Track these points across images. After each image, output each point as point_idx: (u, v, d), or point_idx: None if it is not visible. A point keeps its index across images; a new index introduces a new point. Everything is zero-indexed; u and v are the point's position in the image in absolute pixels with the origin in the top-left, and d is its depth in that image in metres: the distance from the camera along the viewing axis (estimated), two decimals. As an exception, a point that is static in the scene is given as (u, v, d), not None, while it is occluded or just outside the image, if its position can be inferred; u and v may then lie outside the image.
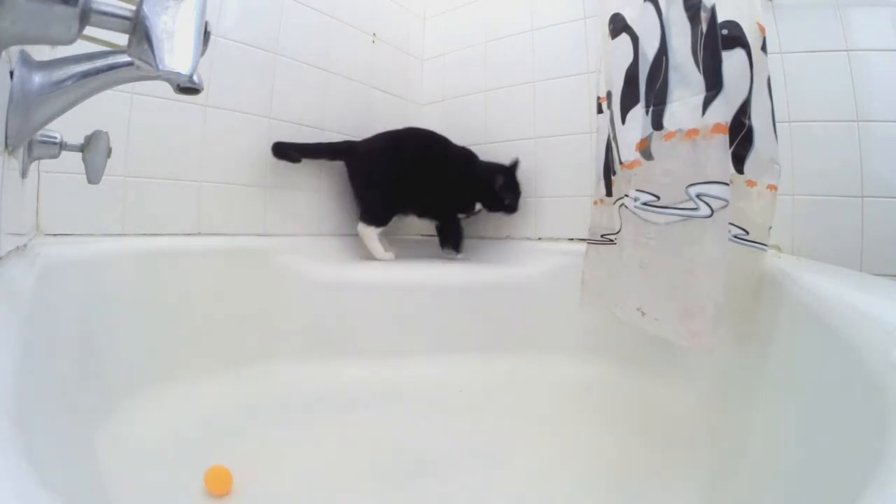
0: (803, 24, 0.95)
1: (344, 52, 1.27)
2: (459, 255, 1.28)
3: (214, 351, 0.89)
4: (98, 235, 0.82)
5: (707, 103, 0.60)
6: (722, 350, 0.64)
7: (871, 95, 0.90)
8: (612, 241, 0.83)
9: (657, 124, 0.66)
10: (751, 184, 0.70)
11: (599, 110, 0.92)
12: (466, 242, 1.32)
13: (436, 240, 1.38)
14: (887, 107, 0.89)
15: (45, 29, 0.31)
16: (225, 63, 0.99)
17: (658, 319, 0.67)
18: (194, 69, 0.33)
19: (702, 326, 0.60)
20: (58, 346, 0.54)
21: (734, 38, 0.67)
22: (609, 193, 0.85)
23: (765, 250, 0.70)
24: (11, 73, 0.39)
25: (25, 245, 0.62)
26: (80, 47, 0.38)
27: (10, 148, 0.41)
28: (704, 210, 0.60)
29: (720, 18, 0.62)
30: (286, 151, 1.10)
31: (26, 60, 0.41)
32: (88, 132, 0.56)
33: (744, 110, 0.68)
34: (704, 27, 0.61)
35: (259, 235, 1.07)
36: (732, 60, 0.65)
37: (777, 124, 0.70)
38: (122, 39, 0.35)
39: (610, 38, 0.77)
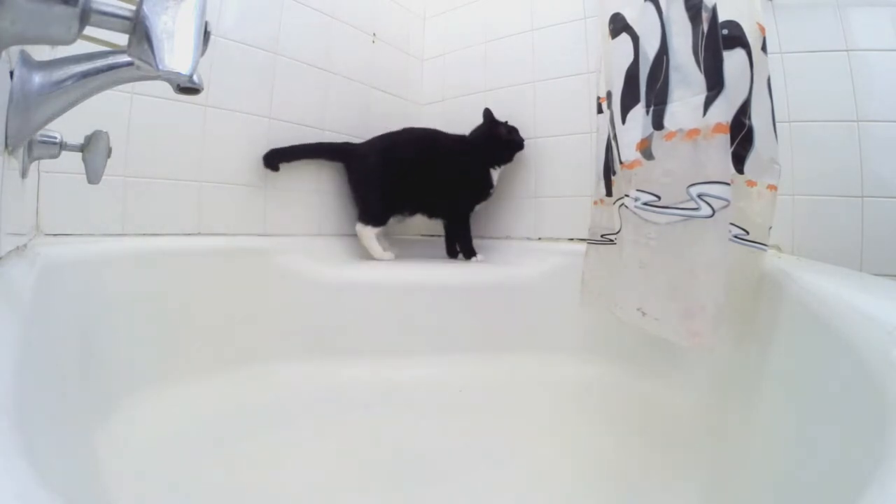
0: (803, 24, 0.95)
1: (344, 52, 1.27)
2: (479, 257, 1.26)
3: (214, 351, 0.88)
4: (98, 235, 0.82)
5: (708, 103, 0.60)
6: (722, 350, 0.64)
7: (871, 95, 0.90)
8: (612, 241, 0.83)
9: (658, 124, 0.66)
10: (751, 184, 0.70)
11: (599, 110, 0.92)
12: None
13: (436, 240, 1.38)
14: (887, 107, 0.89)
15: (45, 29, 0.31)
16: (225, 63, 0.99)
17: (658, 319, 0.67)
18: (194, 69, 0.33)
19: (702, 326, 0.60)
20: (58, 346, 0.54)
21: (734, 37, 0.67)
22: (609, 193, 0.85)
23: (765, 250, 0.70)
24: (11, 73, 0.39)
25: (25, 245, 0.62)
26: (80, 47, 0.38)
27: (10, 148, 0.41)
28: (706, 210, 0.60)
29: (720, 18, 0.62)
30: (277, 159, 1.09)
31: (26, 60, 0.41)
32: (88, 132, 0.56)
33: (744, 110, 0.68)
34: (705, 27, 0.61)
35: (259, 235, 1.07)
36: (733, 60, 0.65)
37: (777, 124, 0.70)
38: (122, 39, 0.35)
39: (610, 37, 0.77)
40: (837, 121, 0.92)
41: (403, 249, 1.29)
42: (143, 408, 0.71)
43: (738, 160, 0.69)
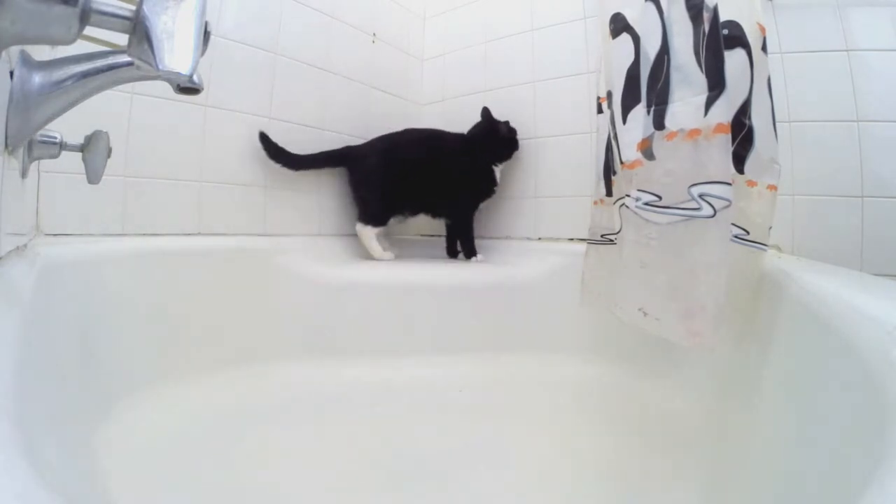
0: (803, 24, 0.94)
1: (344, 52, 1.27)
2: (479, 257, 1.26)
3: (214, 351, 0.88)
4: (98, 235, 0.82)
5: (709, 103, 0.60)
6: (722, 350, 0.64)
7: (871, 95, 0.90)
8: (612, 241, 0.83)
9: (659, 124, 0.66)
10: (751, 184, 0.70)
11: (599, 110, 0.92)
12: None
13: (436, 240, 1.38)
14: (887, 107, 0.89)
15: (45, 29, 0.31)
16: (225, 63, 0.99)
17: (659, 319, 0.67)
18: (194, 69, 0.33)
19: (703, 326, 0.60)
20: (58, 346, 0.54)
21: (735, 37, 0.67)
22: (609, 193, 0.85)
23: (765, 250, 0.70)
24: (11, 73, 0.39)
25: (25, 245, 0.62)
26: (80, 47, 0.38)
27: (10, 148, 0.41)
28: (707, 210, 0.60)
29: (720, 18, 0.62)
30: (282, 155, 1.09)
31: (26, 60, 0.41)
32: (88, 132, 0.56)
33: (744, 110, 0.68)
34: (707, 27, 0.61)
35: (259, 235, 1.07)
36: (733, 60, 0.65)
37: (777, 124, 0.70)
38: (122, 39, 0.34)
39: (611, 37, 0.77)
40: (837, 121, 0.92)
41: (403, 249, 1.29)
42: (143, 408, 0.71)
43: (739, 160, 0.69)
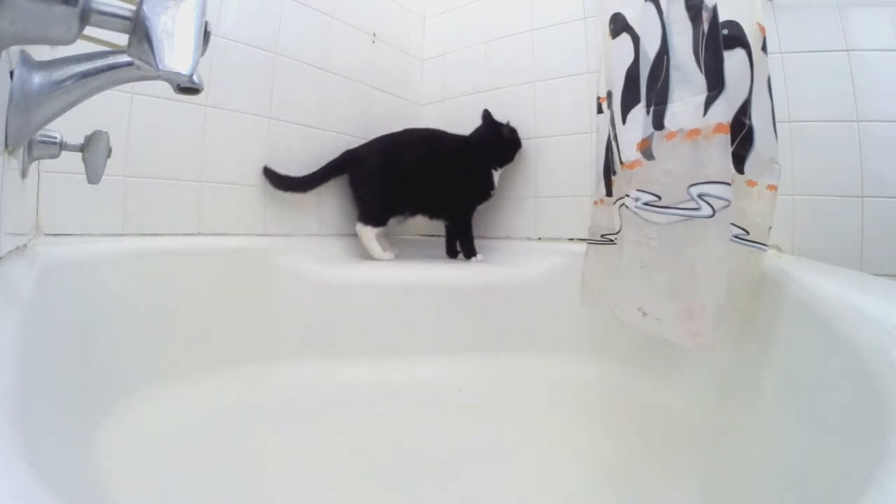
0: (803, 24, 0.94)
1: (344, 52, 1.27)
2: (479, 257, 1.26)
3: (214, 351, 0.88)
4: (98, 235, 0.82)
5: (709, 103, 0.60)
6: (722, 350, 0.64)
7: (871, 95, 0.90)
8: (612, 241, 0.83)
9: (658, 124, 0.66)
10: (751, 184, 0.70)
11: (599, 110, 0.92)
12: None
13: (436, 240, 1.38)
14: (887, 107, 0.89)
15: (45, 29, 0.31)
16: (225, 63, 0.99)
17: (659, 319, 0.67)
18: (194, 69, 0.33)
19: (703, 326, 0.60)
20: (58, 346, 0.54)
21: (735, 37, 0.67)
22: (609, 193, 0.85)
23: (765, 250, 0.70)
24: (11, 73, 0.39)
25: (25, 245, 0.62)
26: (80, 47, 0.38)
27: (10, 148, 0.41)
28: (706, 210, 0.60)
29: (720, 18, 0.62)
30: (288, 182, 1.10)
31: (26, 60, 0.41)
32: (88, 132, 0.56)
33: (744, 110, 0.68)
34: (706, 27, 0.61)
35: (259, 235, 1.07)
36: (733, 60, 0.65)
37: (777, 124, 0.70)
38: (122, 39, 0.34)
39: (610, 37, 0.77)
40: (837, 121, 0.92)
41: (403, 249, 1.29)
42: (143, 407, 0.71)
43: (739, 160, 0.69)
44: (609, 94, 0.80)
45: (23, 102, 0.40)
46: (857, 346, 0.36)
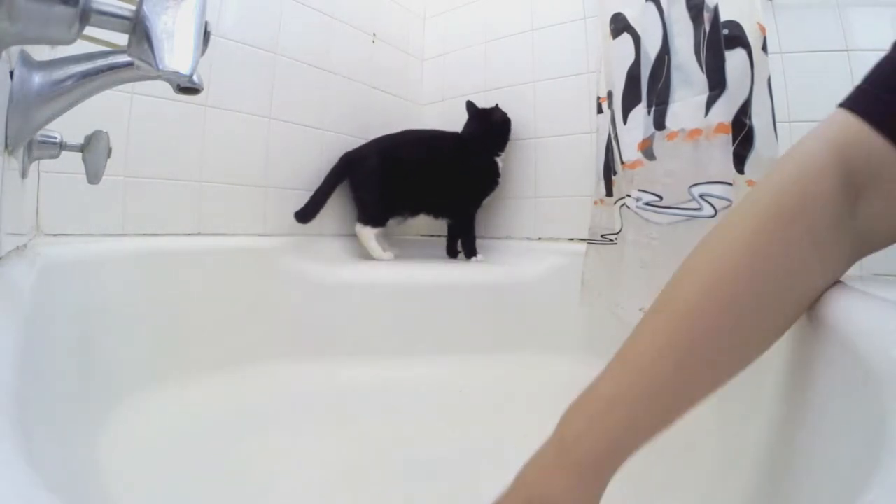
0: (803, 24, 0.94)
1: (344, 52, 1.27)
2: (479, 258, 1.26)
3: (214, 351, 0.88)
4: (98, 235, 0.82)
5: (710, 103, 0.60)
6: (722, 350, 0.63)
7: (871, 95, 0.90)
8: (612, 241, 0.83)
9: (659, 124, 0.66)
10: (752, 184, 0.70)
11: (599, 110, 0.92)
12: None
13: (436, 240, 1.38)
14: (887, 107, 0.89)
15: (45, 29, 0.31)
16: (225, 63, 0.99)
17: (658, 319, 0.67)
18: (194, 69, 0.33)
19: (702, 326, 0.60)
20: (58, 346, 0.54)
21: (735, 37, 0.67)
22: (609, 193, 0.85)
23: (765, 250, 0.69)
24: (11, 73, 0.39)
25: (25, 245, 0.62)
26: (80, 47, 0.38)
27: (10, 148, 0.41)
28: (708, 210, 0.60)
29: (721, 18, 0.62)
30: (312, 213, 1.14)
31: (26, 60, 0.41)
32: (88, 132, 0.56)
33: (745, 110, 0.68)
34: (707, 27, 0.61)
35: (259, 235, 1.07)
36: (733, 60, 0.65)
37: (777, 124, 0.70)
38: (122, 39, 0.34)
39: (611, 37, 0.77)
40: (837, 121, 0.91)
41: (403, 249, 1.29)
42: (142, 407, 0.71)
43: (739, 160, 0.68)
44: (609, 94, 0.80)
45: (23, 102, 0.40)
46: (857, 346, 0.36)
